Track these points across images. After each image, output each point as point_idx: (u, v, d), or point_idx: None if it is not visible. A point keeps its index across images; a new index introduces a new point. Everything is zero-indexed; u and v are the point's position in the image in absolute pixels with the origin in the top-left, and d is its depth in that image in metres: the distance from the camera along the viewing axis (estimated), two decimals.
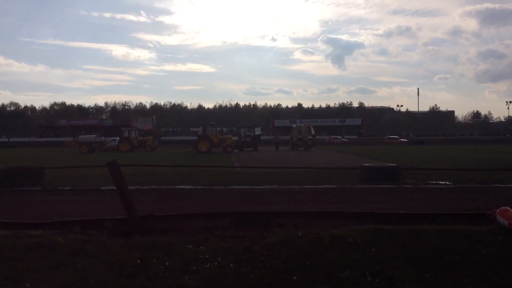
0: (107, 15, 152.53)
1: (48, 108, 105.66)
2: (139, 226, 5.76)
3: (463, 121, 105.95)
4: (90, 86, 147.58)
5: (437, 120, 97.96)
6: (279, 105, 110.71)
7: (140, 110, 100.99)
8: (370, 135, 78.08)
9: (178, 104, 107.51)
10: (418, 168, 16.23)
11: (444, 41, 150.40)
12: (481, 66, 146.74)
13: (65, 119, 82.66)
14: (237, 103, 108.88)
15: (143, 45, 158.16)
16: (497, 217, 5.41)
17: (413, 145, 53.16)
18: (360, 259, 4.26)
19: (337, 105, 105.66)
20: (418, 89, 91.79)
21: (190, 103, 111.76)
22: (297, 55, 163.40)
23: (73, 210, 8.46)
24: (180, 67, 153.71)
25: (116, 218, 6.10)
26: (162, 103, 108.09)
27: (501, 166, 17.26)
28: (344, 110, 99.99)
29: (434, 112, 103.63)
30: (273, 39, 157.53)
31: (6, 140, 67.13)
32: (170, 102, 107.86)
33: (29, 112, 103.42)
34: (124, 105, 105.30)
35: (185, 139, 62.83)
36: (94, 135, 46.28)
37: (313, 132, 42.65)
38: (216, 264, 4.22)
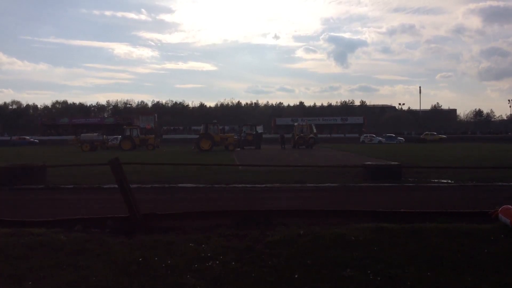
0: (108, 13, 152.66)
1: (50, 106, 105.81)
2: (141, 225, 5.77)
3: (465, 120, 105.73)
4: (91, 85, 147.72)
5: (439, 119, 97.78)
6: (281, 103, 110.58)
7: (142, 108, 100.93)
8: (372, 133, 77.84)
9: (180, 103, 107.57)
10: (420, 166, 16.20)
11: (447, 39, 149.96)
12: (484, 64, 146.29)
13: (67, 118, 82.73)
14: (238, 102, 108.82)
15: (144, 43, 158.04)
16: (499, 216, 5.40)
17: (414, 143, 53.09)
18: (362, 258, 4.26)
19: (339, 104, 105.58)
20: (420, 87, 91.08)
21: (192, 102, 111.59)
22: (299, 53, 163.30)
23: (75, 209, 8.47)
24: (182, 66, 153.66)
25: (118, 217, 6.11)
26: (163, 102, 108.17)
27: (503, 164, 17.21)
28: (346, 108, 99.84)
29: (436, 111, 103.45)
30: (275, 37, 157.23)
31: (8, 138, 67.26)
32: (172, 101, 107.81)
33: (31, 111, 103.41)
34: (125, 103, 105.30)
35: (187, 137, 62.88)
36: (96, 134, 46.29)
37: (314, 131, 42.72)
38: (217, 262, 4.22)
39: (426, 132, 66.06)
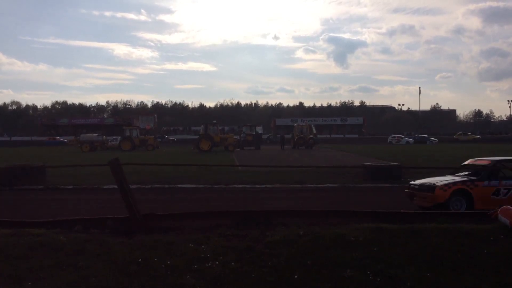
0: (107, 13, 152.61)
1: (49, 107, 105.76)
2: (141, 225, 5.77)
3: (465, 120, 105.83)
4: (91, 85, 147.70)
5: (439, 119, 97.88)
6: (280, 104, 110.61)
7: (141, 109, 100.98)
8: (372, 134, 77.94)
9: (180, 103, 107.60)
10: (420, 167, 16.20)
11: (447, 39, 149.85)
12: (484, 65, 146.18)
13: (66, 118, 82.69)
14: (238, 102, 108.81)
15: (144, 44, 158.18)
16: (498, 216, 5.41)
17: (414, 143, 52.97)
18: (362, 258, 4.26)
19: (338, 104, 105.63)
20: (419, 88, 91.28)
21: (191, 102, 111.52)
22: (299, 53, 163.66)
23: (75, 209, 8.48)
24: (181, 66, 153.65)
25: (118, 217, 6.11)
26: (163, 102, 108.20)
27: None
28: (345, 109, 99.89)
29: (435, 111, 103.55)
30: (275, 38, 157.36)
31: (8, 139, 67.31)
32: (171, 101, 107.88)
33: (30, 111, 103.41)
34: (125, 104, 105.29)
35: (187, 138, 62.93)
36: (96, 134, 46.37)
37: (314, 131, 42.77)
38: (217, 263, 4.22)
39: (460, 132, 63.38)
